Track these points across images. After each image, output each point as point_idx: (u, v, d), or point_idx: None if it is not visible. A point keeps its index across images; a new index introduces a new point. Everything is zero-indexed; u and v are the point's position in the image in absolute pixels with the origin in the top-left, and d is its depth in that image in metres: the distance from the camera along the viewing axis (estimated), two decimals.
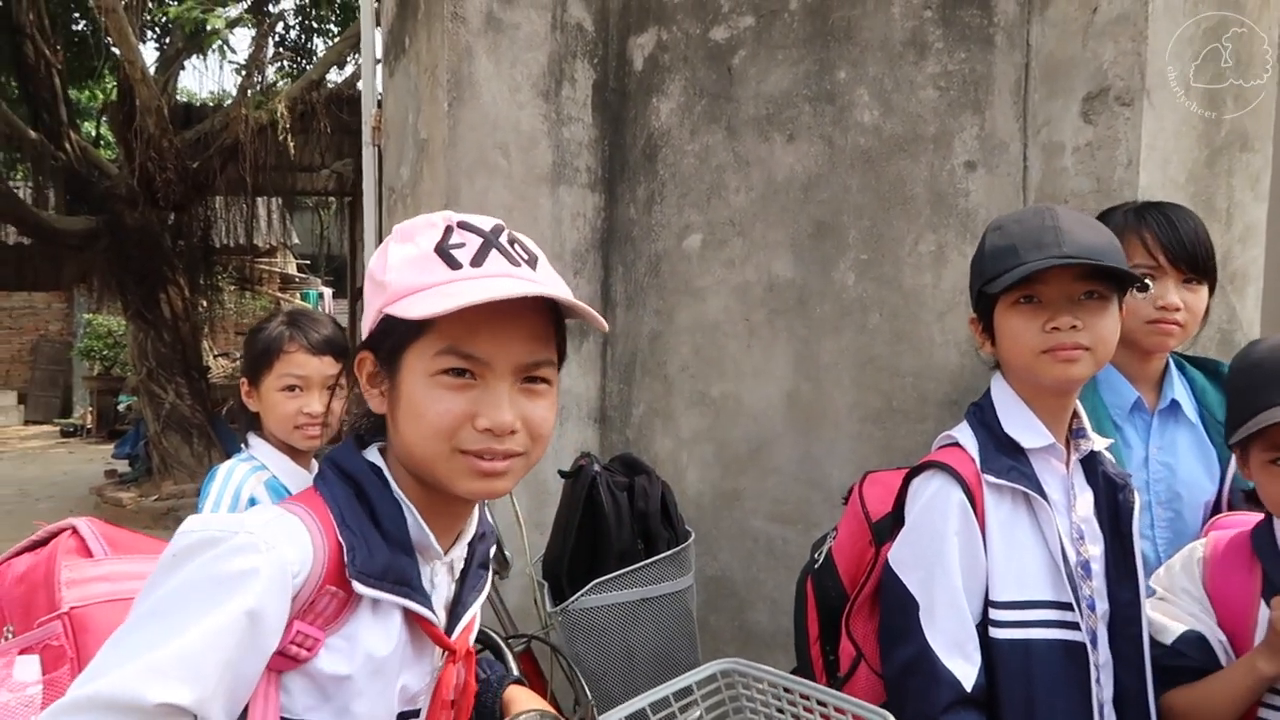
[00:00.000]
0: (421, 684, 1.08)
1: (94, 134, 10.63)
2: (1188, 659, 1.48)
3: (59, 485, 9.50)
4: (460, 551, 1.10)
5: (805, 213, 2.56)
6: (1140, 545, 1.52)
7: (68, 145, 7.99)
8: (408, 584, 1.02)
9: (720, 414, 2.71)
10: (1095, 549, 1.49)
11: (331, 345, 1.95)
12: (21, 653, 1.07)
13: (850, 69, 2.50)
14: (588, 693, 1.34)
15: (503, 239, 1.02)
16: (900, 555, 1.48)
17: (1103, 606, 1.49)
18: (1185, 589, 1.53)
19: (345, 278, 13.71)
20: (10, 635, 1.11)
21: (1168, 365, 1.93)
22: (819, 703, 1.40)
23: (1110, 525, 1.51)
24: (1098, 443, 1.53)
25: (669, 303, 2.79)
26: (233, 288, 11.64)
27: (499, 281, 0.97)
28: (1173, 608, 1.52)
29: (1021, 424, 1.47)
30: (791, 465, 2.62)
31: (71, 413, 14.84)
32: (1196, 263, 1.80)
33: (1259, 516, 1.77)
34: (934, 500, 1.45)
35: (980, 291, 1.47)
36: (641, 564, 1.87)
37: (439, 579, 1.09)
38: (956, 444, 1.50)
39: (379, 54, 3.55)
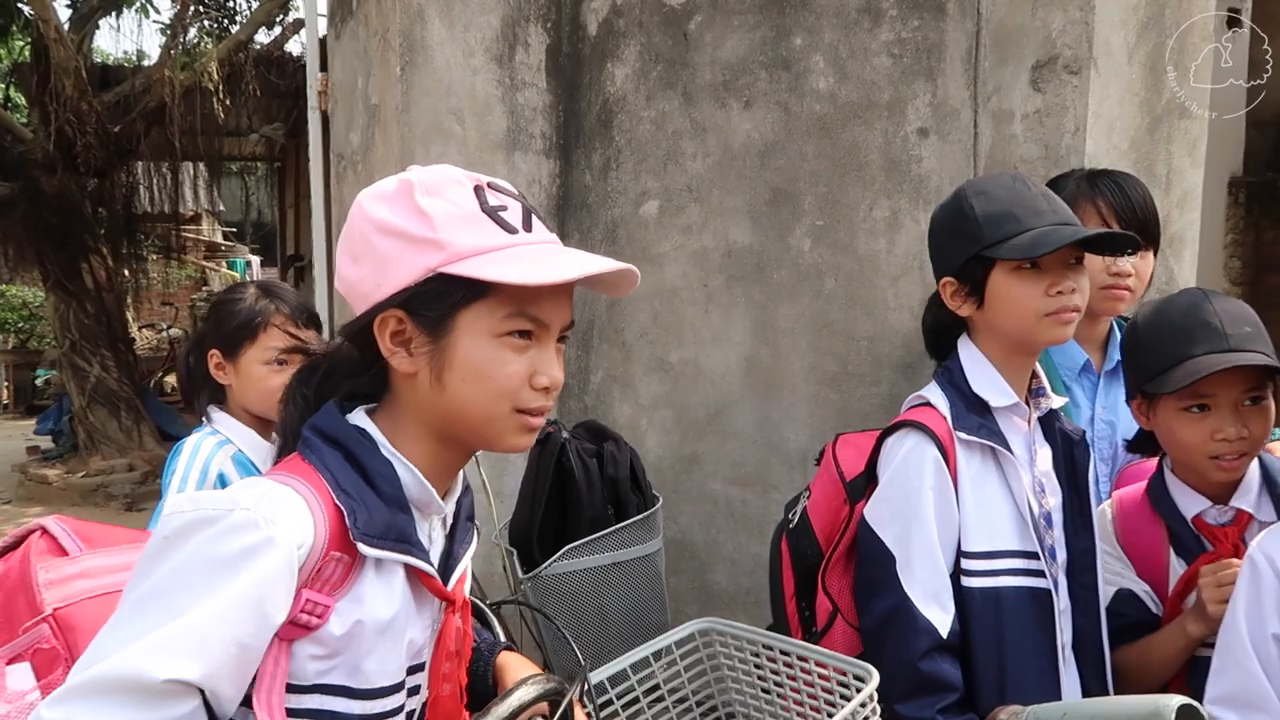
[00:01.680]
0: (424, 637, 1.09)
1: (2, 96, 10.13)
2: (1125, 616, 1.61)
3: None
4: (451, 506, 1.12)
5: (762, 179, 2.59)
6: (1094, 500, 1.62)
7: None
8: (409, 541, 1.03)
9: (679, 380, 2.74)
10: (1055, 500, 1.58)
11: (314, 318, 1.93)
12: (10, 662, 1.03)
13: (806, 35, 2.52)
14: (578, 653, 1.36)
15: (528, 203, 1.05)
16: (877, 511, 1.53)
17: (1062, 555, 1.57)
18: (1104, 550, 1.63)
19: (274, 245, 13.38)
20: None
21: (1111, 327, 2.01)
22: (799, 658, 1.45)
23: (1068, 478, 1.60)
24: (1055, 401, 1.61)
25: None
26: (157, 256, 11.26)
27: (572, 253, 1.01)
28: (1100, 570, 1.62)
29: (989, 384, 1.54)
30: (750, 429, 2.66)
31: None
32: (1147, 230, 1.88)
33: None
34: (910, 457, 1.50)
35: (975, 256, 1.50)
36: (613, 528, 1.90)
37: (435, 534, 1.10)
38: (928, 403, 1.56)
39: (323, 16, 3.46)
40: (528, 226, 1.01)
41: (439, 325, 1.00)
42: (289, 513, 0.96)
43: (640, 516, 1.94)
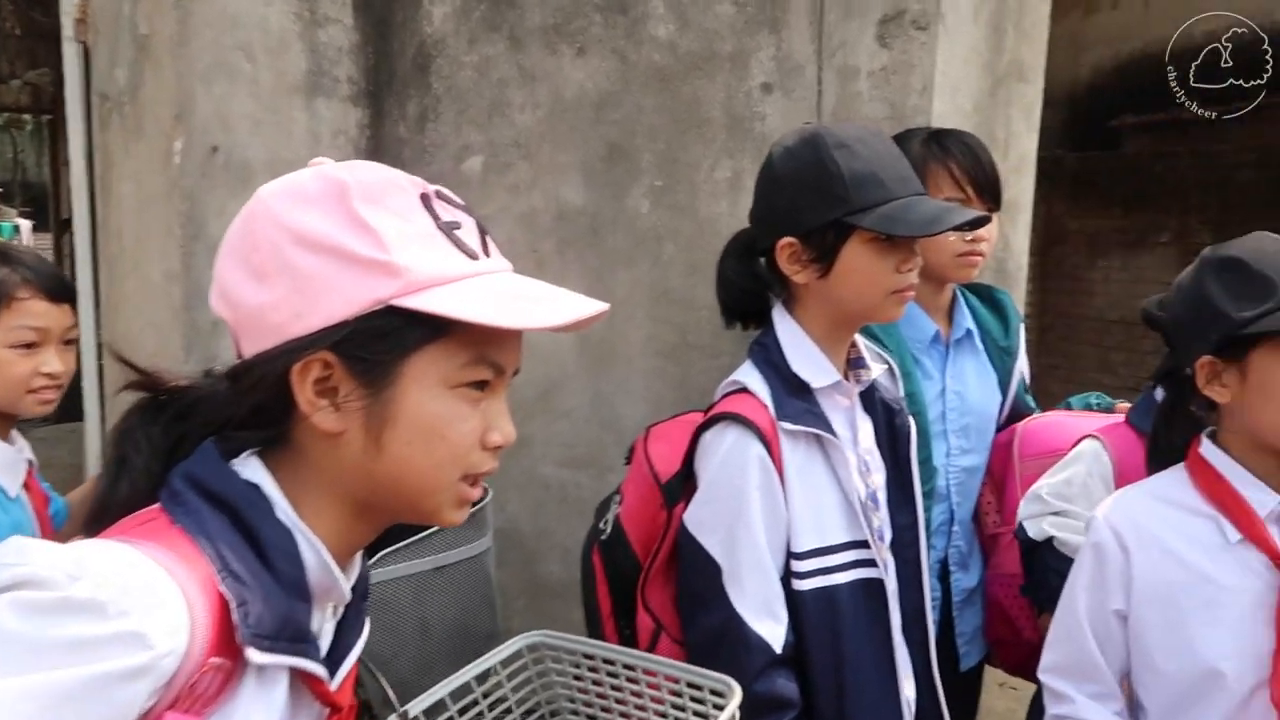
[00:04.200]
0: None
1: None
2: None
3: None
4: (349, 589, 0.86)
5: (597, 134, 2.37)
6: (917, 470, 1.52)
7: None
8: (304, 639, 0.78)
9: None
10: (879, 478, 1.48)
11: (69, 291, 1.59)
12: None
13: None
14: (385, 688, 1.12)
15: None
16: (698, 516, 1.37)
17: (888, 534, 1.47)
18: (1072, 510, 1.58)
19: (46, 207, 12.06)
20: None
21: (955, 296, 1.93)
22: (645, 672, 1.27)
23: (890, 451, 1.50)
24: (875, 371, 1.49)
25: None
26: None
27: (545, 287, 0.86)
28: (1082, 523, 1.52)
29: (810, 363, 1.40)
30: (583, 407, 2.46)
31: None
32: (996, 193, 1.80)
33: (1066, 419, 1.86)
34: (731, 455, 1.34)
35: (836, 221, 1.34)
36: (434, 528, 1.65)
37: (326, 625, 0.85)
38: (746, 389, 1.40)
39: None
40: (485, 249, 0.84)
41: (382, 373, 0.78)
42: (156, 603, 0.67)
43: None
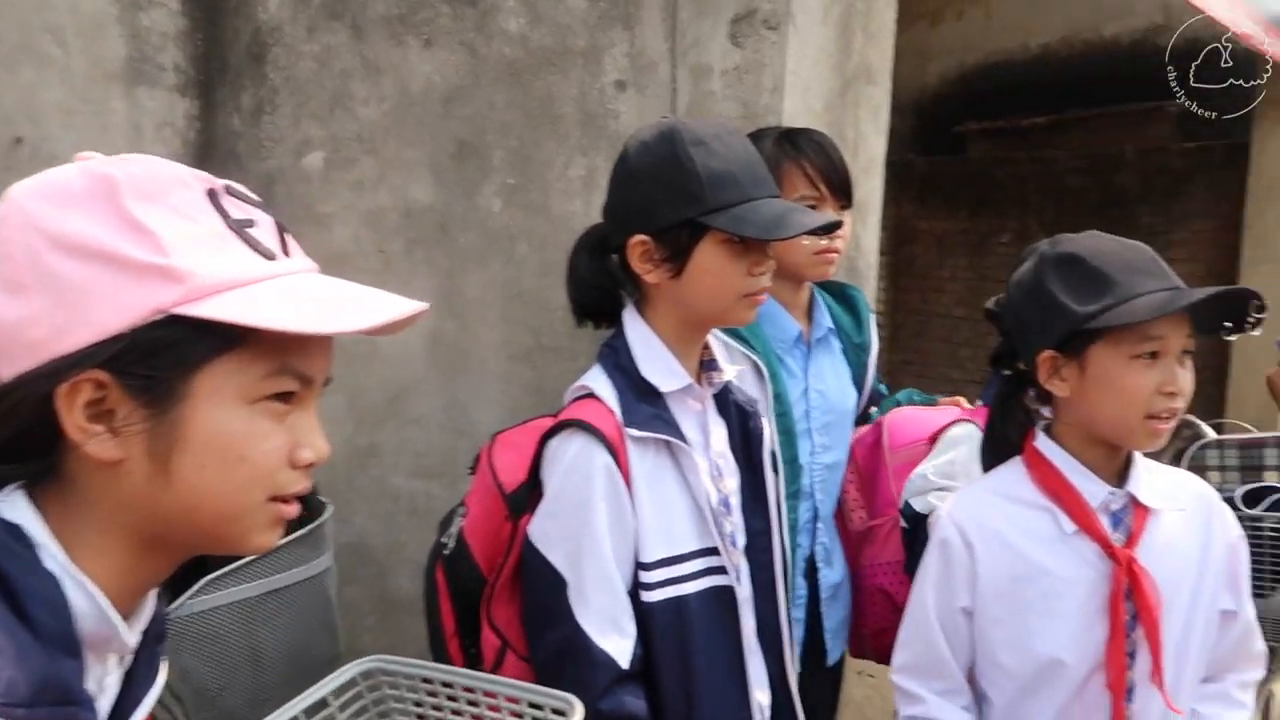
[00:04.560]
0: None
1: None
2: None
3: None
4: (137, 636, 0.75)
5: (446, 130, 2.28)
6: (770, 473, 1.49)
7: None
8: (72, 700, 0.67)
9: (352, 360, 2.38)
10: (733, 482, 1.45)
11: None
12: None
13: None
14: None
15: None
16: (543, 529, 1.31)
17: (742, 539, 1.45)
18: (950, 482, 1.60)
19: None
20: None
21: (813, 294, 1.94)
22: (485, 694, 1.20)
23: (743, 455, 1.47)
24: (728, 373, 1.46)
25: None
26: None
27: (352, 286, 0.77)
28: None
29: (661, 367, 1.35)
30: (435, 413, 2.37)
31: None
32: (848, 191, 1.81)
33: (920, 412, 1.94)
34: (576, 464, 1.29)
35: (691, 220, 1.29)
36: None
37: (109, 678, 0.74)
38: (593, 394, 1.35)
39: None
40: (285, 248, 0.76)
41: (167, 391, 0.68)
42: None
43: (302, 531, 1.58)
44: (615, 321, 1.43)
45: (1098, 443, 1.35)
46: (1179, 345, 1.28)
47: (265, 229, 0.75)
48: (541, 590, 1.29)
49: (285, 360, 0.72)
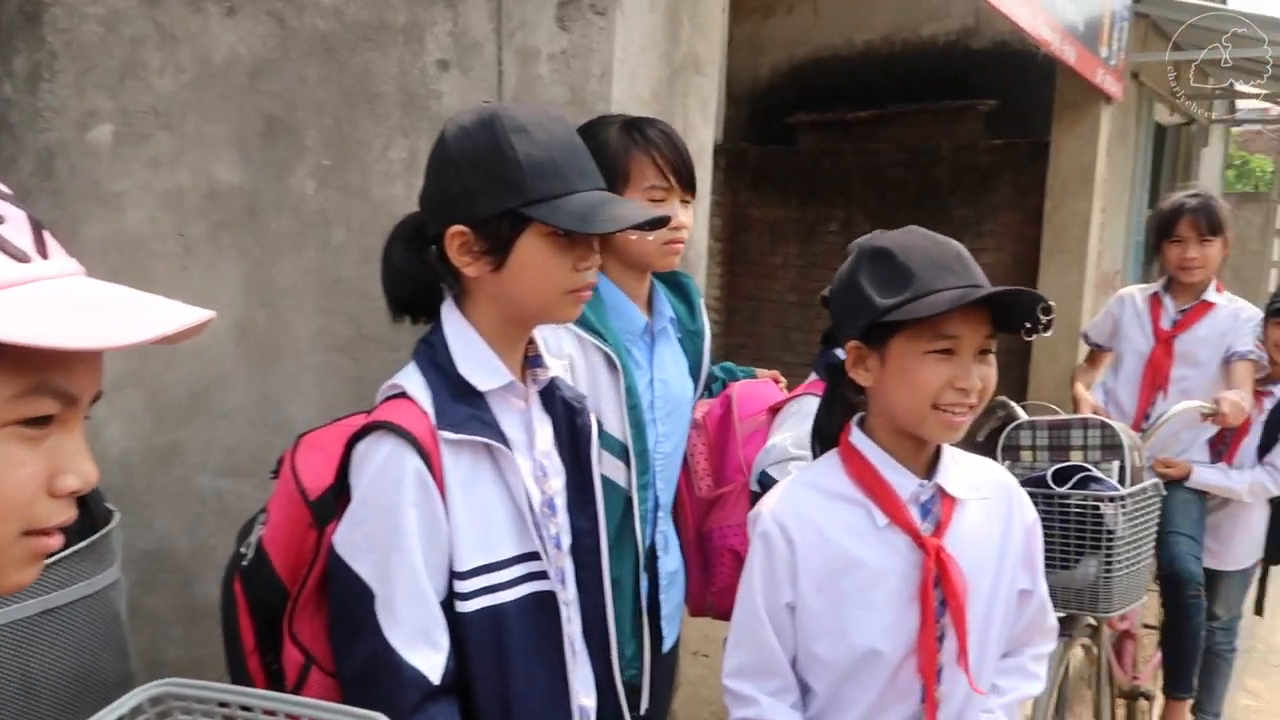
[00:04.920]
0: None
1: None
2: None
3: None
4: None
5: (253, 105, 2.13)
6: (598, 470, 1.46)
7: None
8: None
9: (150, 353, 2.20)
10: (558, 482, 1.40)
11: None
12: None
13: None
14: None
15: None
16: (349, 538, 1.23)
17: (566, 540, 1.41)
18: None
19: None
20: None
21: (653, 285, 1.92)
22: (288, 717, 1.12)
23: (570, 453, 1.43)
24: (554, 368, 1.42)
25: (71, 212, 2.17)
26: None
27: (128, 292, 0.69)
28: None
29: (479, 364, 1.29)
30: (246, 408, 2.22)
31: None
32: (693, 181, 1.81)
33: (761, 385, 2.05)
34: (384, 469, 1.21)
35: (512, 210, 1.23)
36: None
37: None
38: (405, 394, 1.27)
39: None
40: (42, 249, 0.66)
41: None
42: None
43: (83, 543, 1.43)
44: (434, 315, 1.36)
45: (903, 434, 1.38)
46: (975, 344, 1.31)
47: (17, 226, 0.65)
48: (347, 603, 1.22)
49: (42, 378, 0.64)
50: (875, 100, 7.47)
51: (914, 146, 7.18)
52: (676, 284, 2.03)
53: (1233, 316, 3.08)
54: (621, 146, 1.70)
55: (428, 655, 1.20)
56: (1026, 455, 2.58)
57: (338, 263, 2.17)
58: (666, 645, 1.97)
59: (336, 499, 1.26)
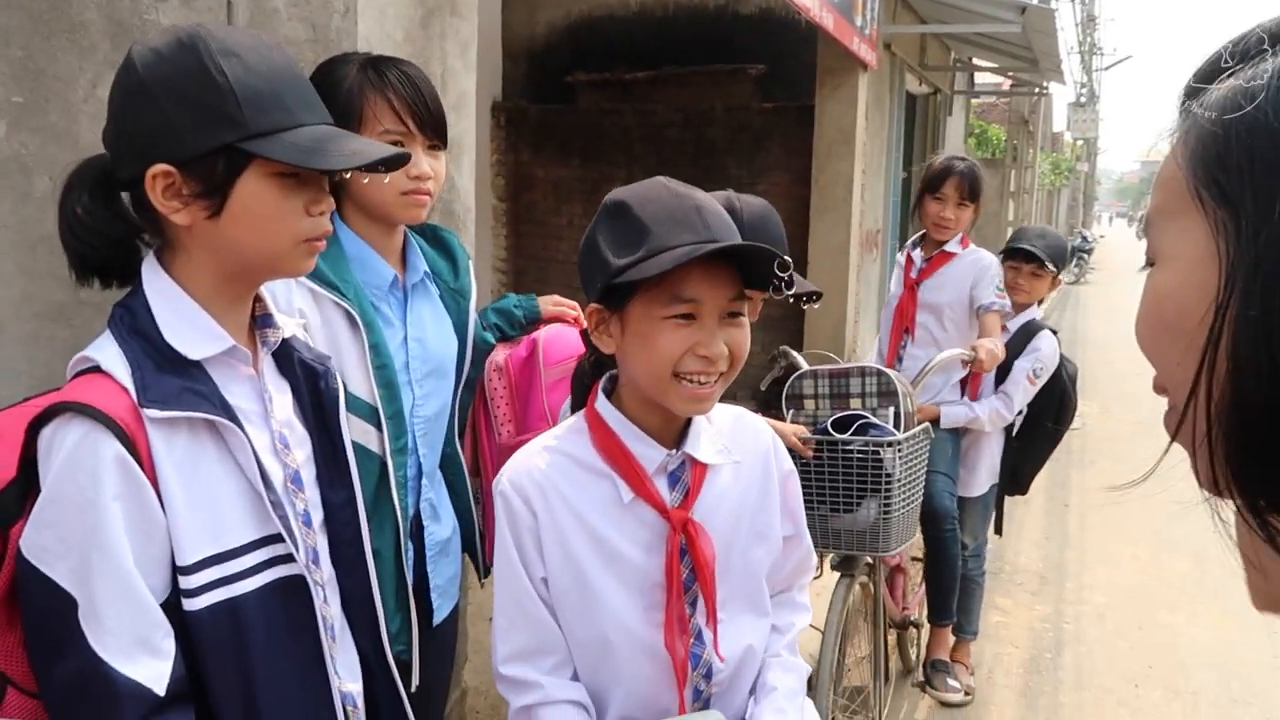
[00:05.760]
0: None
1: None
2: None
3: None
4: None
5: None
6: (349, 437, 1.35)
7: None
8: None
9: None
10: (302, 453, 1.28)
11: None
12: None
13: None
14: None
15: None
16: (39, 541, 1.05)
17: (318, 516, 1.29)
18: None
19: None
20: None
21: (407, 238, 1.79)
22: None
23: (315, 420, 1.30)
24: (287, 329, 1.29)
25: None
26: None
27: None
28: None
29: (189, 328, 1.14)
30: None
31: None
32: (440, 129, 1.68)
33: (565, 330, 2.00)
34: (75, 459, 1.04)
35: (229, 146, 1.09)
36: None
37: None
38: (98, 369, 1.10)
39: None
40: None
41: None
42: None
43: None
44: (132, 277, 1.18)
45: (649, 403, 1.29)
46: (720, 306, 1.22)
47: None
48: (45, 615, 1.04)
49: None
50: (651, 61, 7.50)
51: (690, 108, 7.28)
52: (439, 240, 1.91)
53: (973, 265, 3.31)
54: (356, 86, 1.56)
55: (147, 664, 1.05)
56: (810, 404, 2.64)
57: (42, 217, 1.89)
58: (439, 617, 1.87)
59: (23, 496, 1.07)
